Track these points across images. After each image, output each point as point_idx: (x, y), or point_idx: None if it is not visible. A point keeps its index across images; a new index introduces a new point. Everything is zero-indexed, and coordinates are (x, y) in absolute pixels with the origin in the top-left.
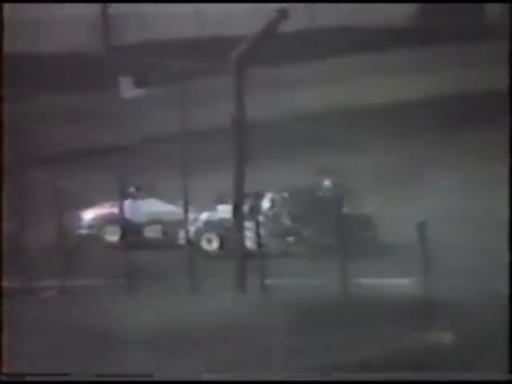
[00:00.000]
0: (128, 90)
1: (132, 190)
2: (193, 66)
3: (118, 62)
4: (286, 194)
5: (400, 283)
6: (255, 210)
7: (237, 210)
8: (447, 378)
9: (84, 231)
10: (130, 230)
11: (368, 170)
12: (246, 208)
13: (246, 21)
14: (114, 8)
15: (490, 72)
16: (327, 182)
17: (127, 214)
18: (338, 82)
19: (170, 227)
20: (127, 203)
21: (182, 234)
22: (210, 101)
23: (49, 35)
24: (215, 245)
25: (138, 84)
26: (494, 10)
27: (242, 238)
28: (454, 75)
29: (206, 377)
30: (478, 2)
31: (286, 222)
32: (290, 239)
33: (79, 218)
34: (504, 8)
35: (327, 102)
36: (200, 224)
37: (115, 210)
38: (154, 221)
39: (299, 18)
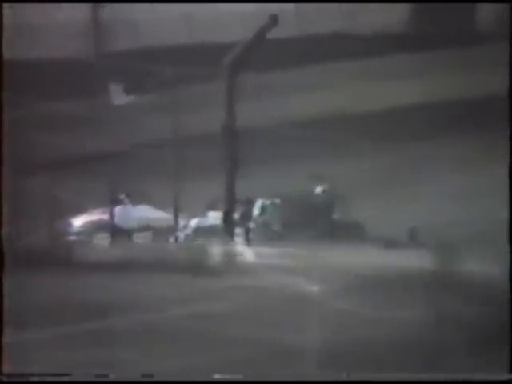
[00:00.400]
0: (120, 96)
1: (122, 196)
2: (185, 73)
3: (111, 69)
4: (277, 201)
5: None
6: (246, 216)
7: (227, 216)
8: (447, 378)
9: (74, 237)
10: (120, 237)
11: (362, 175)
12: (236, 215)
13: (238, 27)
14: (106, 14)
15: (489, 76)
16: (318, 189)
17: (117, 221)
18: (331, 88)
19: (160, 233)
20: (118, 209)
21: (171, 241)
22: (202, 107)
23: (42, 42)
24: None
25: (130, 91)
26: (492, 13)
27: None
28: (451, 80)
29: (206, 377)
30: (478, 2)
31: (277, 228)
32: None
33: (70, 224)
34: (504, 9)
35: (320, 108)
36: (190, 230)
37: (105, 216)
38: (145, 227)
39: (292, 24)
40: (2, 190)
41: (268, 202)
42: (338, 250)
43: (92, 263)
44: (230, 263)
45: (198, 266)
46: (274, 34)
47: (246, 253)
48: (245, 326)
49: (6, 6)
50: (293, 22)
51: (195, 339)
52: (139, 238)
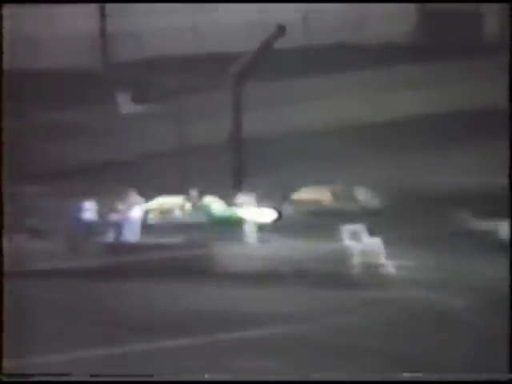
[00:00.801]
0: (127, 106)
1: None
2: (191, 82)
3: (117, 79)
4: None
5: None
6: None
7: None
8: (447, 378)
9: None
10: None
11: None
12: None
13: (243, 37)
14: (112, 25)
15: (490, 87)
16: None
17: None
18: (336, 98)
19: None
20: None
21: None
22: (208, 116)
23: (48, 52)
24: None
25: (137, 100)
26: (493, 25)
27: None
28: (455, 90)
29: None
30: (478, 2)
31: None
32: None
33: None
34: (503, 19)
35: (326, 118)
36: None
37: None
38: None
39: (298, 34)
40: (3, 194)
41: None
42: (479, 263)
43: (231, 274)
44: (371, 275)
45: (338, 278)
46: (279, 44)
47: (387, 265)
48: (384, 339)
49: (13, 17)
50: (298, 32)
51: (334, 351)
52: None
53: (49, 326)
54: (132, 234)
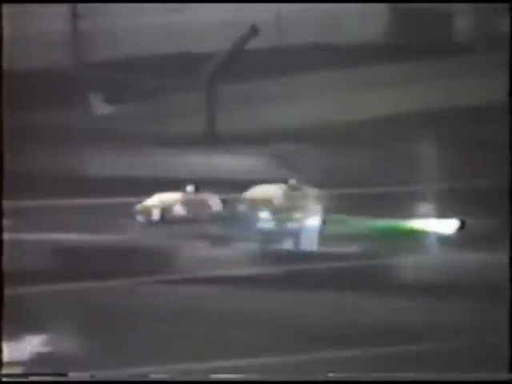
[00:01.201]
0: (100, 106)
1: None
2: (165, 82)
3: (91, 79)
4: None
5: None
6: None
7: None
8: (447, 378)
9: None
10: None
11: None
12: None
13: (217, 36)
14: (85, 24)
15: (472, 86)
16: None
17: None
18: (311, 99)
19: None
20: None
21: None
22: (183, 116)
23: (21, 52)
24: None
25: (111, 101)
26: (464, 24)
27: None
28: (437, 89)
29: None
30: (477, 2)
31: None
32: None
33: None
34: (475, 18)
35: (300, 119)
36: None
37: None
38: None
39: (272, 33)
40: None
41: None
42: None
43: (408, 285)
44: None
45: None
46: (253, 43)
47: None
48: None
49: None
50: (272, 31)
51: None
52: None
53: (217, 333)
54: (309, 243)
